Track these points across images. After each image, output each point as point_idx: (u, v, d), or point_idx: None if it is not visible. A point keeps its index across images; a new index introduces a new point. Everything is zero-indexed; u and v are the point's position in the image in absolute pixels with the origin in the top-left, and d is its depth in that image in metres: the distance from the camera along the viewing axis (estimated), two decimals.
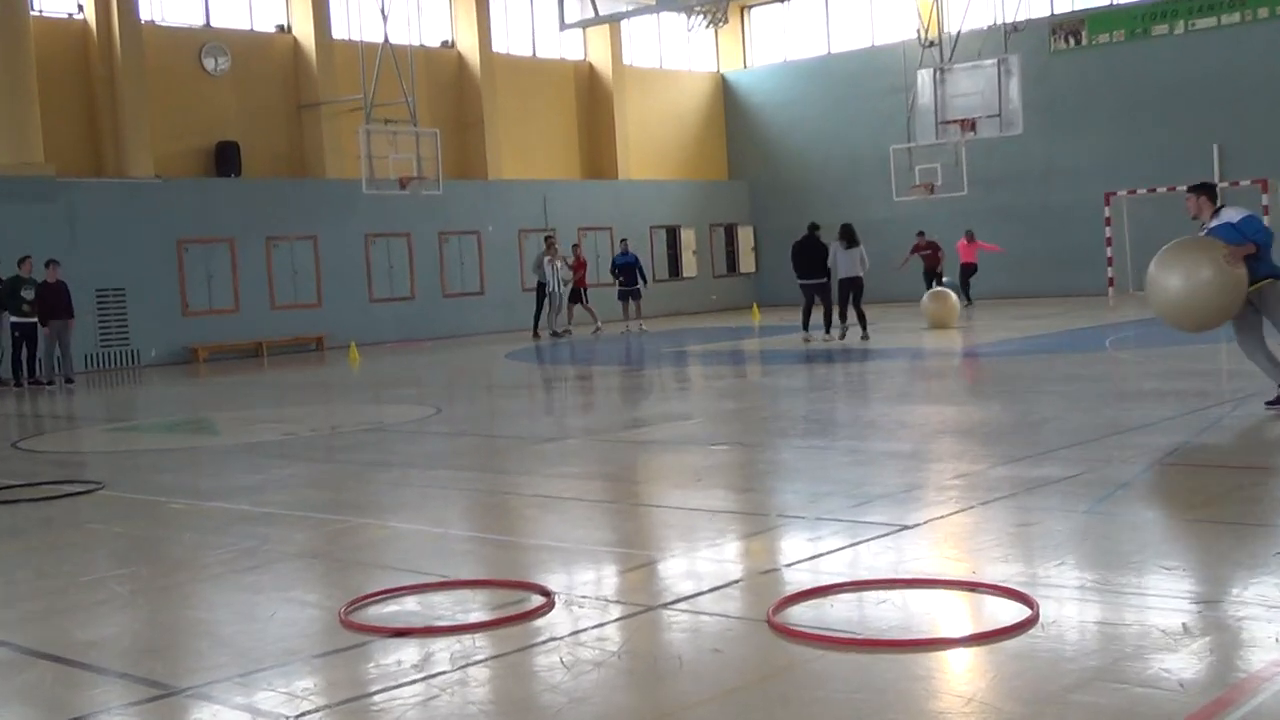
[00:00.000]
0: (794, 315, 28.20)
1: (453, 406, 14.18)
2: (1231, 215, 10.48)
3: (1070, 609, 4.86)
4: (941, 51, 23.89)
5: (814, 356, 17.98)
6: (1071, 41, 30.09)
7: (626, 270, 27.00)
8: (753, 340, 22.71)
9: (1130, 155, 28.89)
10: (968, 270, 27.29)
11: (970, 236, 27.23)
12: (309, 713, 4.16)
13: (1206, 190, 11.35)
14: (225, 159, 26.01)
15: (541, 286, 25.99)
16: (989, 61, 22.77)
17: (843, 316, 20.20)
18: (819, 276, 19.47)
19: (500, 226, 29.70)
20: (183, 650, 5.15)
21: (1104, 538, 6.07)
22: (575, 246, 28.30)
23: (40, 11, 23.79)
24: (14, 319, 19.73)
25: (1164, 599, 4.96)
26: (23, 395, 18.63)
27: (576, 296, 26.81)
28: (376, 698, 4.27)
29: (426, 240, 28.55)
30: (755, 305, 31.97)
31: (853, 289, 20.10)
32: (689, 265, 34.43)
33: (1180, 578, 5.30)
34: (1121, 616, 4.76)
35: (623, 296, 26.98)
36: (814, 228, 20.39)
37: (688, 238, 34.32)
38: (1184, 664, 4.17)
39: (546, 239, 27.13)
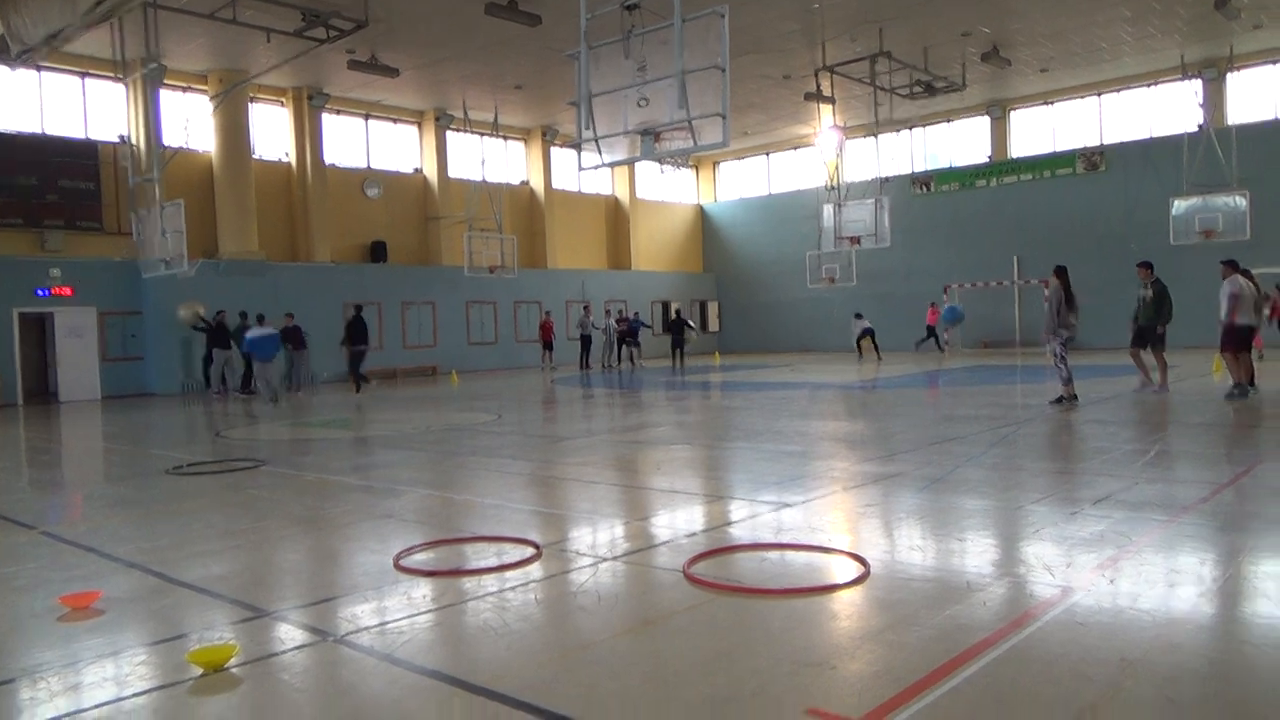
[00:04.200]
0: (742, 359, 27.89)
1: (509, 414, 13.78)
2: None
3: (892, 569, 4.49)
4: (839, 193, 23.55)
5: (745, 384, 17.61)
6: (924, 189, 29.75)
7: (633, 329, 26.63)
8: (715, 374, 22.31)
9: (960, 261, 28.59)
10: (930, 329, 26.91)
11: (934, 304, 27.16)
12: (352, 633, 3.80)
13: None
14: (377, 252, 25.78)
15: (583, 337, 25.78)
16: (869, 200, 22.40)
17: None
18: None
19: (554, 299, 29.42)
20: (280, 583, 4.80)
21: (921, 518, 5.69)
22: (547, 313, 27.49)
23: (260, 157, 23.67)
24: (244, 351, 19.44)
25: (955, 563, 4.57)
26: (247, 401, 18.30)
27: (549, 346, 26.32)
28: (402, 623, 3.91)
29: (506, 306, 28.26)
30: (716, 352, 31.65)
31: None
32: None
33: (969, 547, 4.90)
34: (925, 575, 4.38)
35: (631, 344, 26.68)
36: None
37: (675, 308, 33.99)
38: (968, 612, 3.79)
39: (584, 307, 26.88)
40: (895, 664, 3.24)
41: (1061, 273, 11.73)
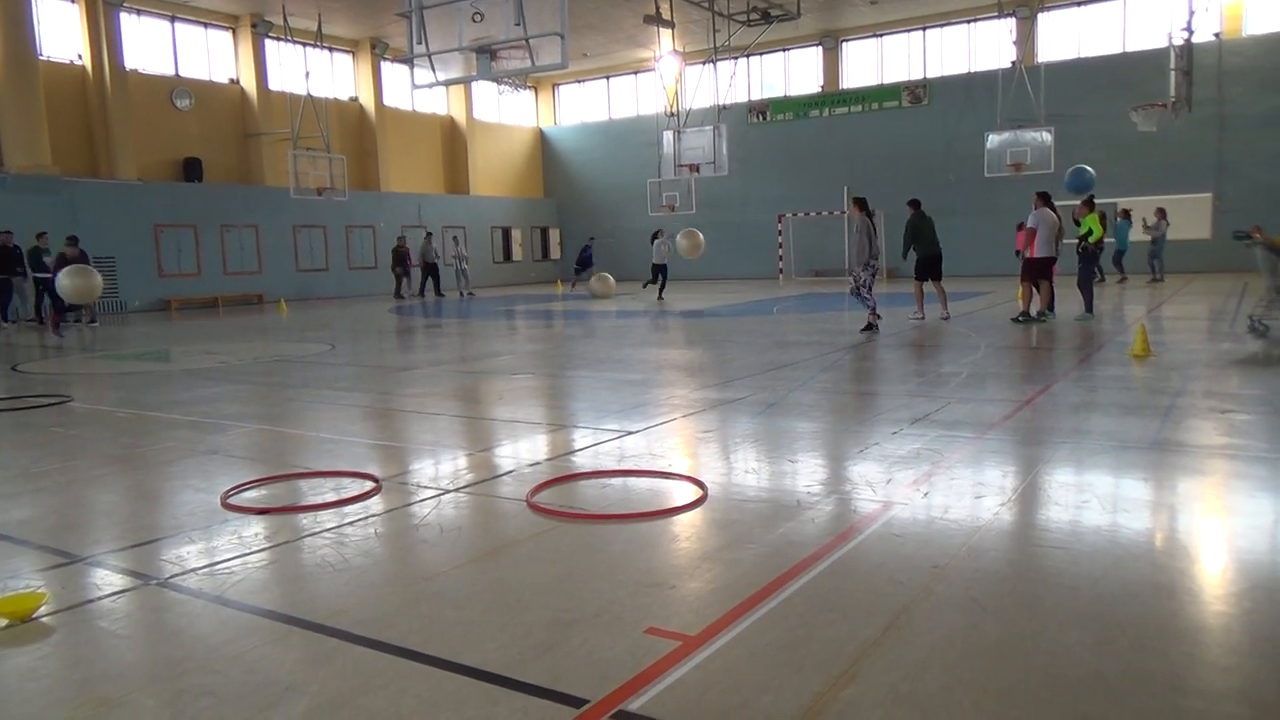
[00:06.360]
0: (585, 287, 27.91)
1: (344, 344, 13.29)
2: None
3: (729, 491, 4.68)
4: (679, 120, 23.67)
5: (588, 312, 17.69)
6: (761, 118, 30.30)
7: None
8: (556, 303, 22.23)
9: (794, 191, 29.41)
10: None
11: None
12: (176, 575, 3.63)
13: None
14: (191, 170, 23.95)
15: (426, 264, 24.99)
16: (708, 128, 22.66)
17: (652, 282, 22.14)
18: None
19: (388, 223, 28.35)
20: (93, 526, 4.51)
21: (756, 441, 5.93)
22: (399, 239, 26.26)
23: (48, 57, 21.35)
24: (37, 275, 17.85)
25: (787, 483, 4.81)
26: (40, 331, 16.77)
27: (406, 274, 25.56)
28: (232, 563, 3.77)
29: (337, 231, 27.02)
30: (559, 280, 31.52)
31: (663, 269, 22.00)
32: (517, 253, 33.58)
33: (800, 468, 5.17)
34: (760, 496, 4.60)
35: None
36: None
37: (516, 235, 33.48)
38: (799, 529, 4.01)
39: (428, 234, 26.05)
40: (731, 581, 3.40)
41: (861, 203, 12.25)
